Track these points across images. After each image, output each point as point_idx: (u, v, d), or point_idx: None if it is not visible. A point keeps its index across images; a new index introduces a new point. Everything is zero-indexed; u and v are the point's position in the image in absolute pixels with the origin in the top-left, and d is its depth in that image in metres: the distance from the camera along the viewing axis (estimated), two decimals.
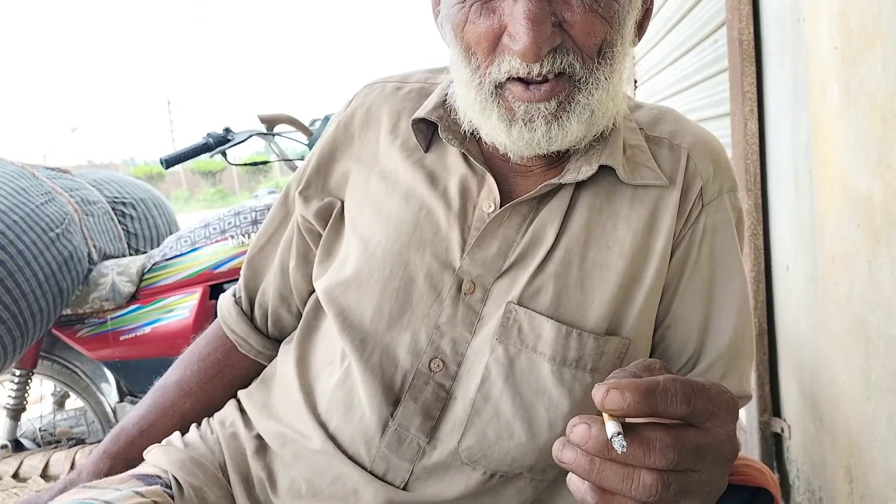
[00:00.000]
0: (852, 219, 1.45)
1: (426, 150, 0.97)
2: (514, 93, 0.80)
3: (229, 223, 2.19)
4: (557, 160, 0.92)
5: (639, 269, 0.89)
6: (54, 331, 2.19)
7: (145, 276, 2.20)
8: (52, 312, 2.02)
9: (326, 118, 2.35)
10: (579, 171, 0.88)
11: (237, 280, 1.15)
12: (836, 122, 1.50)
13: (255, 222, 2.16)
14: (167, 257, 2.21)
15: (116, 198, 2.47)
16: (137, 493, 0.89)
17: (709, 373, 0.92)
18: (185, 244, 2.22)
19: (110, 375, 2.31)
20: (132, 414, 1.11)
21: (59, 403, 2.70)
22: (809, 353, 1.79)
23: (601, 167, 0.88)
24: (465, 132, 0.90)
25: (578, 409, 0.85)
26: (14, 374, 2.31)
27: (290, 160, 2.45)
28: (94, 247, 2.20)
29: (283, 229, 1.10)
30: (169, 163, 2.20)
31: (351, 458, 0.91)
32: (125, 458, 1.06)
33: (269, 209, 2.10)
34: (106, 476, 1.01)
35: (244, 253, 2.08)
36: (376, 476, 0.89)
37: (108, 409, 2.33)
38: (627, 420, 0.53)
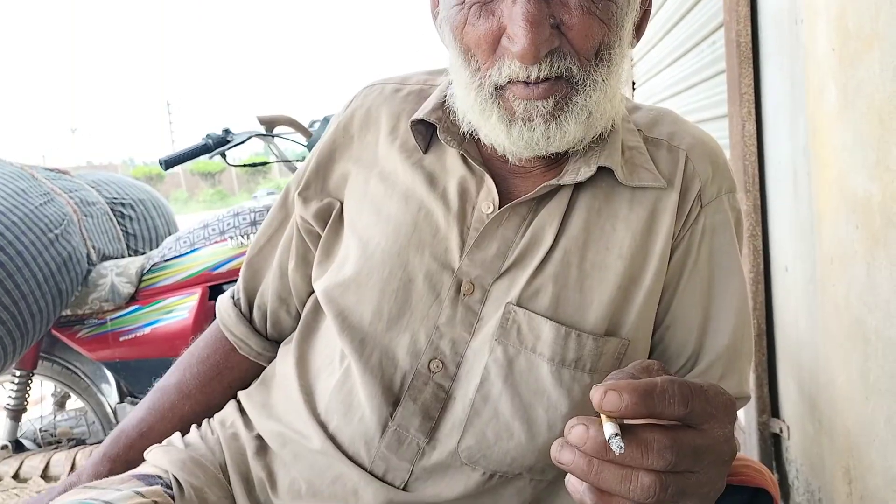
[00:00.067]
0: (850, 220, 1.45)
1: (425, 152, 0.97)
2: (514, 91, 0.80)
3: (228, 224, 2.19)
4: (556, 162, 0.92)
5: (638, 271, 0.89)
6: (54, 331, 2.19)
7: (144, 277, 2.20)
8: (52, 313, 2.02)
9: (326, 119, 2.35)
10: (578, 172, 0.88)
11: (236, 281, 1.15)
12: (834, 123, 1.50)
13: (254, 223, 2.16)
14: (166, 258, 2.21)
15: (115, 199, 2.47)
16: (138, 493, 0.89)
17: (707, 373, 0.92)
18: (185, 245, 2.22)
19: (110, 376, 2.31)
20: (131, 416, 1.11)
21: (60, 404, 2.70)
22: (808, 354, 1.80)
23: (600, 168, 0.89)
24: (463, 133, 0.90)
25: (577, 410, 0.85)
26: (14, 375, 2.31)
27: (290, 161, 2.45)
28: (94, 248, 2.20)
29: (282, 230, 1.10)
30: (168, 164, 2.20)
31: (351, 458, 0.91)
32: (125, 461, 1.06)
33: (268, 210, 2.10)
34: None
35: (243, 254, 2.08)
36: (376, 476, 0.89)
37: (109, 410, 2.33)
38: (626, 421, 0.54)
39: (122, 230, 2.44)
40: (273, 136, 2.41)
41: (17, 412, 2.35)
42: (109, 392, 2.34)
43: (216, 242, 2.17)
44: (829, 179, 1.55)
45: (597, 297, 0.87)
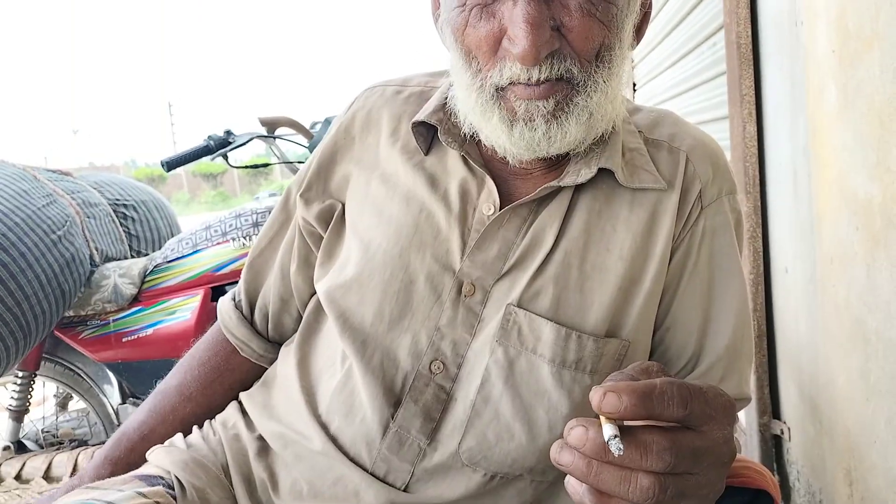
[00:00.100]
0: (851, 221, 1.45)
1: (426, 153, 0.98)
2: (515, 92, 0.81)
3: (230, 225, 2.20)
4: (557, 163, 0.93)
5: (638, 272, 0.89)
6: (57, 333, 2.19)
7: (147, 279, 2.21)
8: (55, 314, 2.02)
9: (327, 121, 2.35)
10: (578, 173, 0.88)
11: (238, 282, 1.16)
12: (834, 124, 1.50)
13: (256, 224, 2.17)
14: (168, 259, 2.22)
15: (118, 200, 2.48)
16: (140, 493, 0.90)
17: (708, 375, 0.92)
18: (187, 246, 2.22)
19: (112, 377, 2.31)
20: (132, 419, 1.11)
21: (62, 405, 2.70)
22: (808, 355, 1.80)
23: (600, 170, 0.89)
24: (464, 135, 0.91)
25: (578, 411, 0.86)
26: (17, 376, 2.32)
27: (291, 163, 2.46)
28: (96, 249, 2.21)
29: (283, 232, 1.10)
30: (170, 165, 2.21)
31: (352, 459, 0.91)
32: (126, 464, 1.06)
33: (269, 211, 2.11)
34: None
35: (245, 255, 2.08)
36: (377, 478, 0.90)
37: (111, 411, 2.34)
38: (626, 423, 0.54)
39: (124, 231, 2.45)
40: (275, 138, 2.42)
41: (19, 413, 2.36)
42: (111, 393, 2.35)
43: (218, 244, 2.18)
44: (830, 180, 1.55)
45: (597, 298, 0.88)
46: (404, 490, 0.89)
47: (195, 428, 1.08)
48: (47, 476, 2.11)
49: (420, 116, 0.95)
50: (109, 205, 2.42)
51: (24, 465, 2.16)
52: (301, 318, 1.08)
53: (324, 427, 0.94)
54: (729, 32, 2.09)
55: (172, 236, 2.56)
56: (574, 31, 0.77)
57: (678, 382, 0.54)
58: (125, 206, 2.49)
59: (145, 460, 1.04)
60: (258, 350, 1.12)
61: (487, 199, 0.92)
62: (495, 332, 0.87)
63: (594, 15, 0.77)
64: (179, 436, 1.07)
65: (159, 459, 1.01)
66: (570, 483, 0.56)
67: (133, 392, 2.29)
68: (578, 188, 0.91)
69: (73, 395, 2.43)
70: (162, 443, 1.07)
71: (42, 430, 2.46)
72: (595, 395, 0.53)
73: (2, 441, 2.37)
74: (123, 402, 2.32)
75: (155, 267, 2.22)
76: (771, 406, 2.11)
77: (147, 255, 2.46)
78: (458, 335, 0.89)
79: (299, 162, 2.51)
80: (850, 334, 1.51)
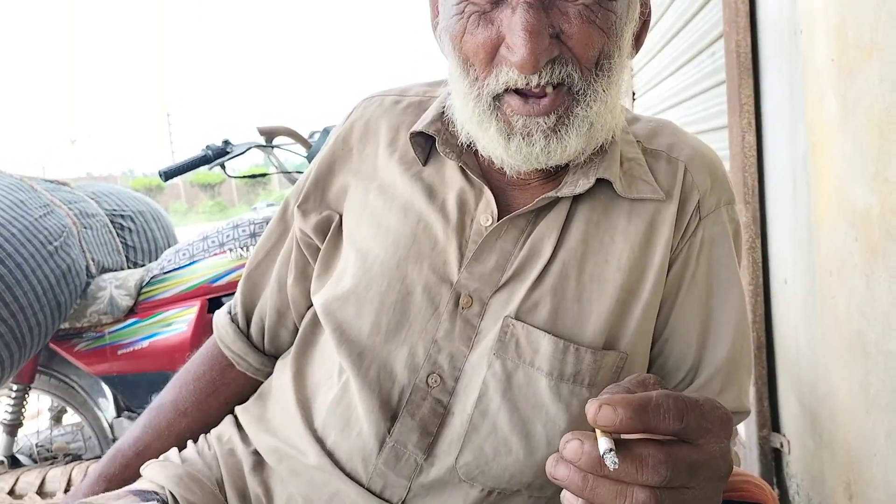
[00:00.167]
0: (850, 232, 1.44)
1: (424, 164, 0.97)
2: (512, 106, 0.80)
3: (228, 236, 2.19)
4: (555, 173, 0.92)
5: (636, 283, 0.89)
6: (52, 345, 2.18)
7: (143, 290, 2.20)
8: (50, 326, 2.01)
9: (326, 130, 2.35)
10: (576, 184, 0.88)
11: (235, 293, 1.15)
12: (834, 134, 1.50)
13: (253, 235, 2.16)
14: (165, 270, 2.21)
15: (115, 210, 2.47)
16: None
17: (707, 387, 0.91)
18: (184, 257, 2.21)
19: (107, 390, 2.30)
20: (128, 435, 1.10)
21: (56, 419, 2.68)
22: (808, 367, 1.79)
23: (598, 180, 0.88)
24: (462, 145, 0.90)
25: (576, 425, 0.85)
26: (11, 389, 2.30)
27: (290, 172, 2.45)
28: (93, 260, 2.20)
29: (280, 244, 1.10)
30: (168, 175, 2.20)
31: (348, 474, 0.90)
32: (121, 480, 1.05)
33: (267, 222, 2.10)
34: None
35: (242, 266, 2.08)
36: (374, 493, 0.88)
37: (106, 425, 2.32)
38: (622, 436, 0.53)
39: (121, 242, 2.44)
40: (273, 148, 2.41)
41: (13, 427, 2.34)
42: (106, 406, 2.33)
43: (215, 255, 2.17)
44: (829, 191, 1.55)
45: (595, 309, 0.87)
46: None
47: (190, 443, 1.07)
48: (41, 491, 2.09)
49: (418, 127, 0.94)
50: (107, 215, 2.41)
51: (17, 479, 2.14)
52: (297, 330, 1.07)
53: (320, 441, 0.93)
54: (728, 41, 2.09)
55: (169, 247, 2.55)
56: (574, 38, 0.77)
57: (674, 395, 0.53)
58: (122, 216, 2.48)
59: (140, 476, 1.03)
60: (254, 364, 1.11)
61: (485, 210, 0.91)
62: (493, 345, 0.86)
63: (594, 22, 0.77)
64: (174, 450, 1.06)
65: (154, 474, 1.00)
66: (566, 497, 0.56)
67: (128, 405, 2.27)
68: (576, 198, 0.90)
69: (68, 408, 2.41)
70: (157, 458, 1.06)
71: (36, 444, 2.44)
72: (590, 408, 0.52)
73: None
74: (118, 416, 2.30)
75: (151, 278, 2.21)
76: (770, 419, 2.10)
77: (144, 265, 2.45)
78: (456, 348, 0.88)
79: (298, 172, 2.50)
80: (849, 346, 1.50)
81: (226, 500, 0.98)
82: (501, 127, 0.82)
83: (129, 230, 2.49)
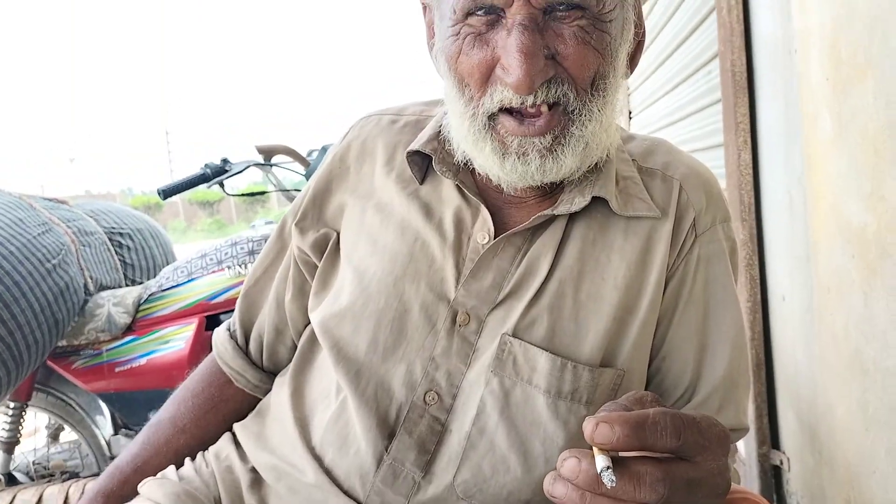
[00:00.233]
0: (846, 250, 1.45)
1: (421, 182, 0.98)
2: (506, 127, 0.81)
3: (226, 254, 2.19)
4: (551, 191, 0.93)
5: (633, 301, 0.89)
6: (49, 362, 2.17)
7: (141, 307, 2.20)
8: (48, 344, 2.00)
9: (324, 148, 2.36)
10: (572, 202, 0.88)
11: (233, 311, 1.15)
12: (829, 152, 1.51)
13: (251, 253, 2.16)
14: (163, 288, 2.21)
15: (114, 228, 2.47)
16: None
17: (705, 405, 0.91)
18: (182, 275, 2.21)
19: (105, 408, 2.29)
20: (126, 452, 1.10)
21: (54, 436, 2.67)
22: (807, 384, 1.79)
23: (594, 198, 0.89)
24: (458, 163, 0.91)
25: (574, 442, 0.85)
26: (8, 407, 2.29)
27: (288, 190, 2.46)
28: (91, 277, 2.20)
29: (279, 262, 1.10)
30: (166, 193, 2.21)
31: (346, 492, 0.90)
32: (119, 496, 1.05)
33: (265, 239, 2.10)
34: None
35: (241, 283, 2.07)
36: None
37: (103, 442, 2.31)
38: (619, 454, 0.53)
39: (119, 260, 2.44)
40: (271, 166, 2.42)
41: (10, 445, 2.33)
42: (104, 424, 2.33)
43: (214, 272, 2.17)
44: (825, 209, 1.56)
45: (592, 327, 0.87)
46: None
47: (188, 460, 1.07)
48: None
49: (415, 146, 0.95)
50: (105, 233, 2.42)
51: (14, 497, 2.13)
52: (296, 348, 1.07)
53: (317, 459, 0.93)
54: (724, 60, 2.10)
55: (168, 265, 2.55)
56: (570, 58, 0.78)
57: (671, 412, 0.53)
58: (121, 234, 2.49)
59: (138, 490, 1.03)
60: (253, 381, 1.11)
61: (482, 228, 0.92)
62: (490, 363, 0.86)
63: (589, 43, 0.78)
64: (172, 468, 1.06)
65: (151, 492, 1.00)
66: None
67: (125, 423, 2.26)
68: (573, 217, 0.91)
69: (65, 426, 2.40)
70: (155, 475, 1.06)
71: (33, 461, 2.43)
72: (588, 426, 0.52)
73: None
74: (116, 434, 2.29)
75: (149, 296, 2.21)
76: (770, 436, 2.10)
77: (142, 283, 2.45)
78: (453, 365, 0.88)
79: (296, 190, 2.51)
80: (848, 364, 1.50)
81: None
82: (496, 146, 0.82)
83: (128, 248, 2.49)
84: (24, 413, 2.32)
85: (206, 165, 2.27)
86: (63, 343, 2.14)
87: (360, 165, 1.03)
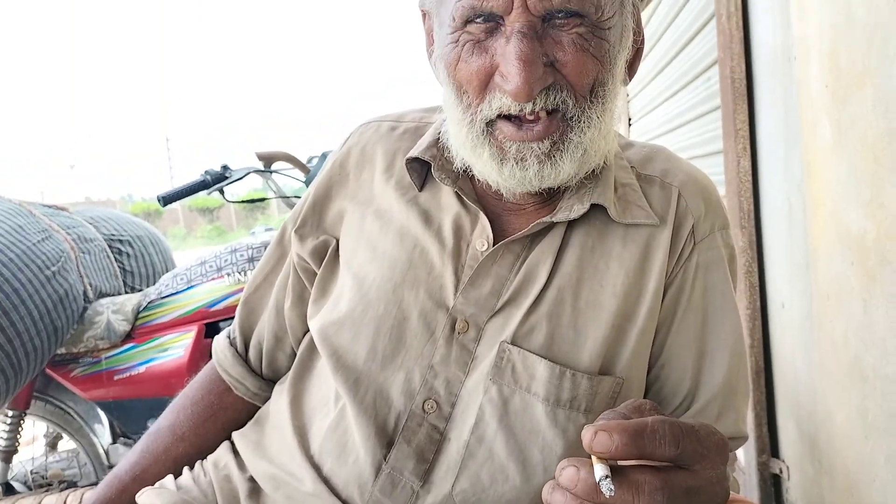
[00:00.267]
0: (846, 257, 1.45)
1: (420, 189, 0.98)
2: (504, 132, 0.81)
3: (226, 261, 2.19)
4: (550, 198, 0.93)
5: (632, 308, 0.89)
6: (48, 370, 2.17)
7: (141, 315, 2.19)
8: (47, 352, 2.00)
9: (324, 155, 2.36)
10: (571, 209, 0.88)
11: (233, 318, 1.15)
12: (828, 159, 1.51)
13: (251, 259, 2.16)
14: (163, 295, 2.21)
15: (113, 235, 2.47)
16: None
17: (704, 412, 0.91)
18: (181, 282, 2.21)
19: (103, 416, 2.29)
20: (125, 460, 1.10)
21: (52, 445, 2.66)
22: (806, 392, 1.78)
23: (593, 206, 0.89)
24: (458, 171, 0.91)
25: (573, 451, 0.84)
26: (6, 415, 2.29)
27: (288, 197, 2.46)
28: (90, 285, 2.20)
29: (278, 269, 1.10)
30: (166, 200, 2.21)
31: (344, 501, 0.89)
32: None
33: (265, 246, 2.10)
34: None
35: (240, 290, 2.07)
36: None
37: (101, 451, 2.30)
38: (618, 462, 0.53)
39: (119, 267, 2.44)
40: (271, 172, 2.42)
41: (8, 454, 2.32)
42: (102, 433, 2.32)
43: (213, 279, 2.17)
44: (824, 216, 1.56)
45: (591, 335, 0.87)
46: None
47: (186, 469, 1.07)
48: None
49: (414, 153, 0.95)
50: (105, 240, 2.42)
51: None
52: (295, 355, 1.07)
53: (316, 468, 0.92)
54: (723, 67, 2.11)
55: (167, 272, 2.55)
56: (569, 66, 0.78)
57: (670, 421, 0.53)
58: (120, 241, 2.49)
59: (136, 499, 1.02)
60: (252, 388, 1.10)
61: (481, 235, 0.92)
62: (489, 370, 0.86)
63: (587, 50, 0.78)
64: (170, 477, 1.06)
65: (149, 502, 1.00)
66: None
67: (124, 431, 2.26)
68: (571, 224, 0.91)
69: (64, 434, 2.40)
70: (154, 483, 1.06)
71: (31, 470, 2.42)
72: (586, 435, 0.52)
73: None
74: (114, 442, 2.28)
75: (149, 303, 2.20)
76: (770, 444, 2.09)
77: (142, 290, 2.45)
78: (452, 373, 0.88)
79: (296, 196, 2.51)
80: (847, 371, 1.50)
81: None
82: (494, 152, 0.82)
83: (127, 255, 2.49)
84: (22, 422, 2.32)
85: (206, 172, 2.27)
86: (62, 351, 2.13)
87: (359, 172, 1.03)
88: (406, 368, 0.89)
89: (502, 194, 0.89)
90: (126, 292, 2.43)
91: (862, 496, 1.48)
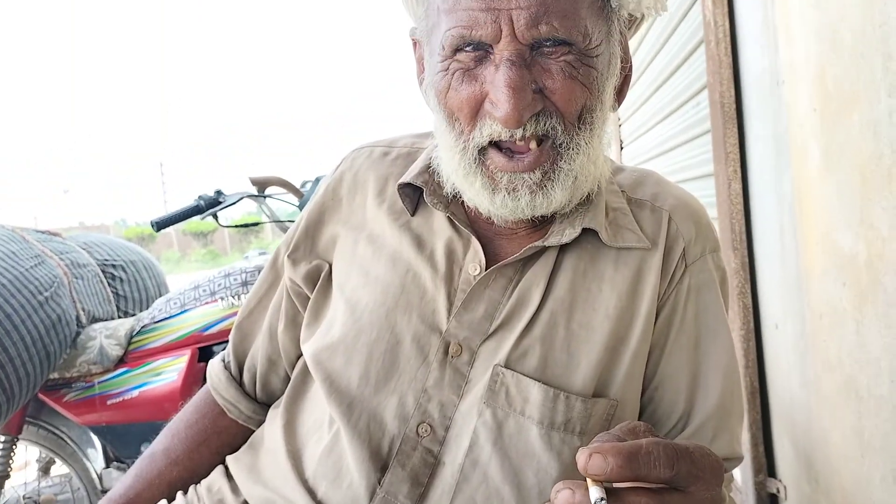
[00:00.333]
0: (838, 278, 1.46)
1: (413, 214, 0.98)
2: (496, 163, 0.82)
3: (219, 285, 2.18)
4: (542, 223, 0.93)
5: (624, 331, 0.89)
6: (41, 395, 2.16)
7: (134, 339, 2.19)
8: (39, 377, 1.99)
9: (318, 180, 2.37)
10: (563, 233, 0.89)
11: (226, 342, 1.15)
12: (818, 181, 1.52)
13: (245, 284, 2.16)
14: (156, 320, 2.20)
15: (106, 260, 2.47)
16: None
17: (699, 434, 0.91)
18: (175, 306, 2.21)
19: (96, 441, 2.27)
20: (119, 485, 1.09)
21: (44, 470, 2.65)
22: (802, 412, 1.79)
23: (584, 230, 0.90)
24: (449, 196, 0.92)
25: (567, 474, 0.84)
26: None
27: (282, 221, 2.46)
28: (83, 310, 2.19)
29: (272, 293, 1.10)
30: (160, 225, 2.21)
31: None
32: None
33: (258, 270, 2.10)
34: None
35: (234, 315, 2.07)
36: None
37: (94, 476, 2.28)
38: (613, 484, 0.53)
39: (112, 292, 2.44)
40: (265, 197, 2.42)
41: (0, 479, 2.31)
42: (95, 457, 2.30)
43: (207, 303, 2.17)
44: (816, 237, 1.57)
45: (584, 358, 0.87)
46: None
47: (179, 494, 1.06)
48: None
49: (406, 178, 0.96)
50: (98, 265, 2.41)
51: None
52: (289, 379, 1.07)
53: (310, 492, 0.92)
54: (713, 92, 2.13)
55: (161, 296, 2.55)
56: (557, 93, 0.79)
57: (664, 442, 0.53)
58: (114, 266, 2.48)
59: None
60: (246, 412, 1.10)
61: (473, 260, 0.92)
62: (483, 394, 0.86)
63: (576, 77, 0.79)
64: (163, 502, 1.05)
65: None
66: None
67: (117, 456, 2.24)
68: (563, 248, 0.91)
69: (56, 459, 2.38)
70: None
71: (24, 496, 2.40)
72: (581, 457, 0.52)
73: None
74: (107, 467, 2.27)
75: (142, 327, 2.20)
76: (766, 464, 2.09)
77: (135, 315, 2.44)
78: (446, 397, 0.88)
79: (290, 221, 2.51)
80: (841, 391, 1.50)
81: None
82: (486, 182, 0.84)
83: (121, 280, 2.49)
84: (14, 446, 2.30)
85: (199, 197, 2.27)
86: (55, 375, 2.12)
87: (352, 197, 1.04)
88: (399, 392, 0.89)
89: (494, 220, 0.90)
90: (119, 317, 2.43)
91: None
